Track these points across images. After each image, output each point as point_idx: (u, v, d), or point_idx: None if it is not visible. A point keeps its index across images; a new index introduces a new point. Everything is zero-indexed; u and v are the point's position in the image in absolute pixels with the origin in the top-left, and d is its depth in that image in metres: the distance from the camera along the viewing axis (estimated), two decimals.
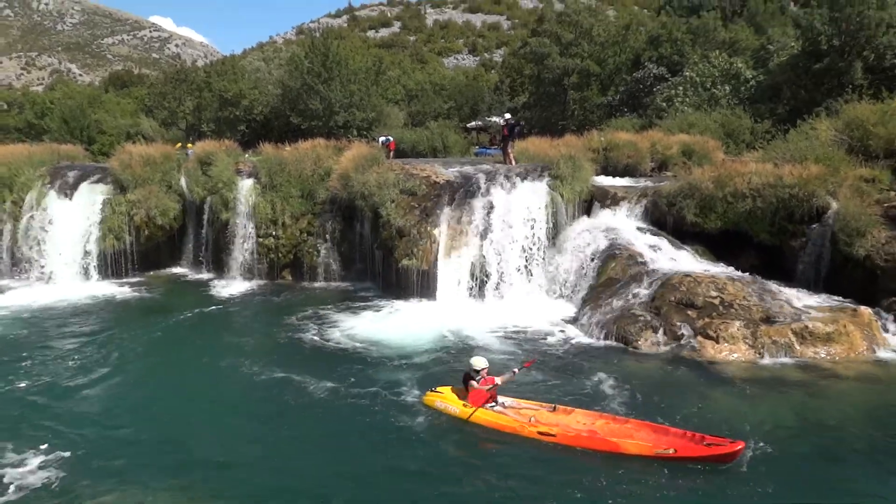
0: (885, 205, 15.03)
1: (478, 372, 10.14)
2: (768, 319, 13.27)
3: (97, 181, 22.87)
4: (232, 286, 20.63)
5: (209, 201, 22.19)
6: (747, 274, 15.34)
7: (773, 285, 14.80)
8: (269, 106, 38.56)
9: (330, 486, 8.29)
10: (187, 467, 8.80)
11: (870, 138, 17.16)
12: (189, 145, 25.85)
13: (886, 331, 13.61)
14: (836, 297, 14.65)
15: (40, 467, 8.75)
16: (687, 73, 33.38)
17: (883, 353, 12.69)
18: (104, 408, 10.95)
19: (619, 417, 9.69)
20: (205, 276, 22.29)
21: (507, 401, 10.31)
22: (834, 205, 15.28)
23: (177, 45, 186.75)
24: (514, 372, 10.67)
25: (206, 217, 22.48)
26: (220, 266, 22.17)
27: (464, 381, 10.30)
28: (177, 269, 23.43)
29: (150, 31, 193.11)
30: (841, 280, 15.05)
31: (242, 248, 21.47)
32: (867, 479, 8.25)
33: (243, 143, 30.25)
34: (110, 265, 21.87)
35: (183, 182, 22.84)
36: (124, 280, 21.59)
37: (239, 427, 10.19)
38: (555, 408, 9.95)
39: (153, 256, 23.08)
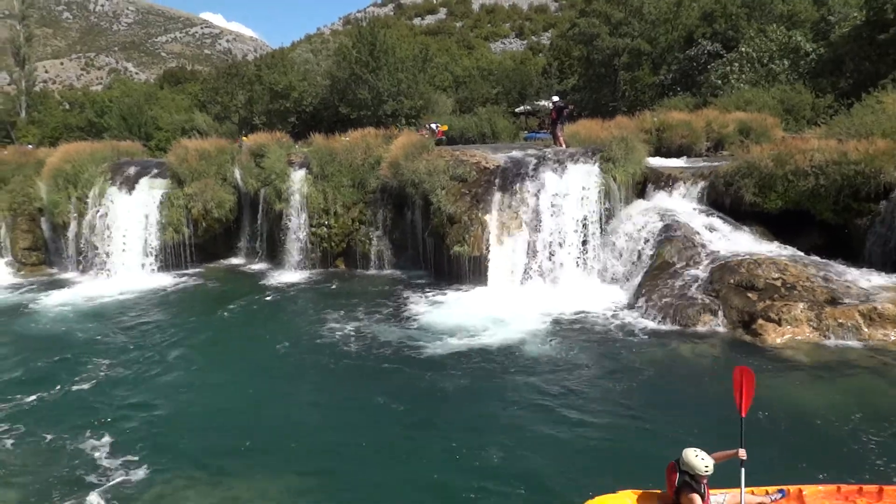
0: None
1: (701, 476, 6.28)
2: (833, 301, 12.80)
3: (155, 176, 23.53)
4: (286, 276, 20.97)
5: (263, 193, 22.57)
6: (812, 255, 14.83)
7: (838, 266, 14.26)
8: (319, 97, 38.82)
9: None
10: (233, 453, 8.99)
11: None
12: (244, 138, 26.32)
13: None
14: None
15: (108, 455, 9.09)
16: (743, 49, 32.28)
17: None
18: (165, 396, 11.29)
19: (865, 488, 6.77)
20: (260, 266, 22.70)
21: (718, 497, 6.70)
22: None
23: (227, 41, 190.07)
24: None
25: (260, 208, 22.91)
26: (274, 256, 22.56)
27: (679, 489, 6.36)
28: (233, 260, 23.91)
29: (202, 28, 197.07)
30: None
31: (296, 237, 21.79)
32: None
33: (294, 135, 30.61)
34: (170, 257, 22.50)
35: (237, 174, 23.28)
36: (183, 272, 22.16)
37: (282, 424, 9.97)
38: (781, 491, 6.77)
39: (210, 248, 23.64)
